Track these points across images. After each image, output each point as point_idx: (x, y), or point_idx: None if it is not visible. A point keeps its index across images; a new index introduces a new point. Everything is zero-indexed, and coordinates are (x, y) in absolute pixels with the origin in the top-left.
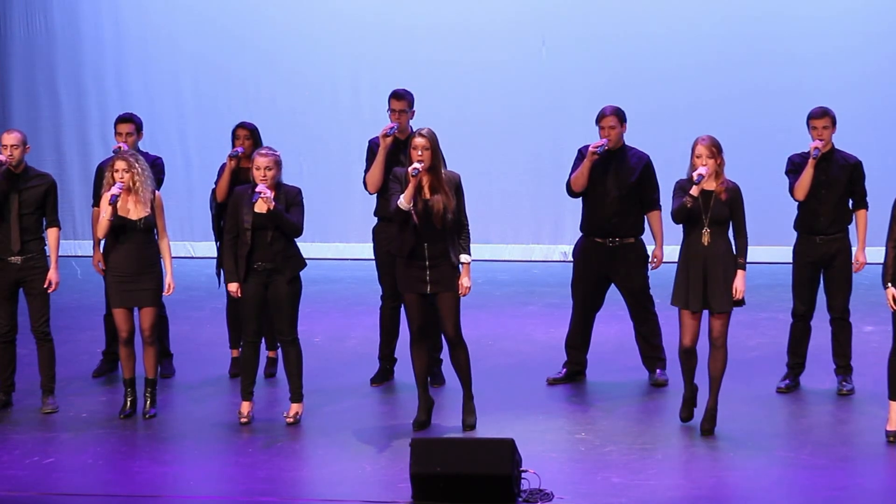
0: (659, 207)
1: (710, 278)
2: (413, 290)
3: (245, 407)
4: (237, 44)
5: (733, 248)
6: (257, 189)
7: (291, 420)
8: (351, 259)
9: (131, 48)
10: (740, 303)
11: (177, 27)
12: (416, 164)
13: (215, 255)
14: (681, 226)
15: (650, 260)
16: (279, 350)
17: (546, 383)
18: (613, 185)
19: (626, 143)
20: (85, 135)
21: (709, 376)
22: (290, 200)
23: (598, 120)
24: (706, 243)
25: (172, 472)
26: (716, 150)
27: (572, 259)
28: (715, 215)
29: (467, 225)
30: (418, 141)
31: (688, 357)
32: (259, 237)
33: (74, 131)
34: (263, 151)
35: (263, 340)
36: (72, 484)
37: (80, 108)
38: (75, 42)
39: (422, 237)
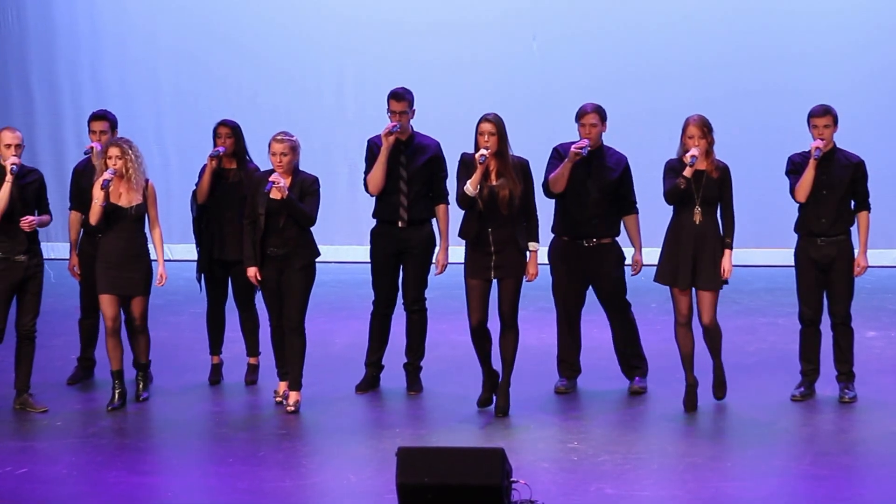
0: (636, 211)
1: (699, 257)
2: (478, 276)
3: (282, 386)
4: (218, 39)
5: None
6: (270, 178)
7: (292, 408)
8: (335, 262)
9: (108, 43)
10: (725, 282)
11: (155, 21)
12: (483, 151)
13: (195, 258)
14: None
15: (631, 265)
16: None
17: (555, 392)
18: (594, 185)
19: (617, 141)
20: (59, 133)
21: (708, 349)
22: (305, 189)
23: (579, 117)
24: (698, 222)
25: (150, 483)
26: (706, 129)
27: (548, 262)
28: (706, 194)
29: (536, 211)
30: (485, 126)
31: (684, 334)
32: (272, 222)
33: (48, 130)
34: (279, 137)
35: (244, 346)
36: (45, 495)
37: (54, 105)
38: (49, 36)
39: (487, 223)
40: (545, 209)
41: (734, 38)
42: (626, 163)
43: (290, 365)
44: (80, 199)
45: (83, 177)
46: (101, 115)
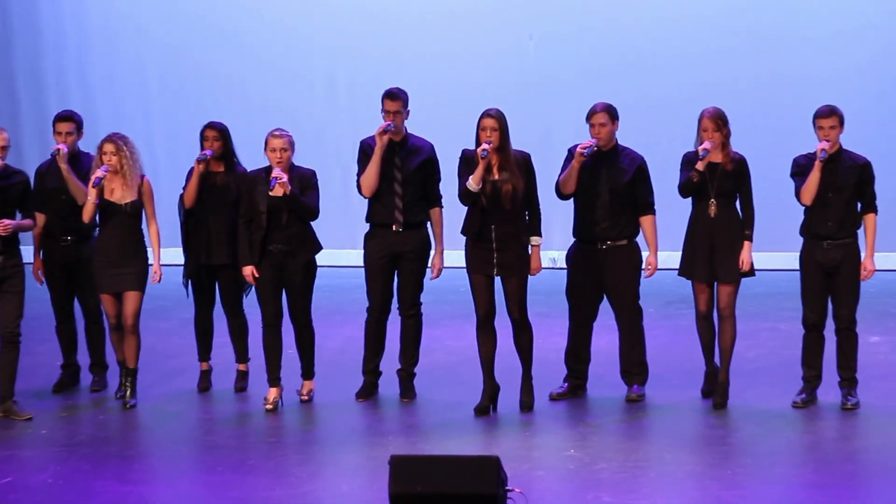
0: (653, 212)
1: (717, 249)
2: (480, 271)
3: (272, 393)
4: (208, 36)
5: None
6: (273, 174)
7: (306, 397)
8: (327, 266)
9: (95, 40)
10: (749, 273)
11: (143, 17)
12: (484, 146)
13: (182, 262)
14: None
15: (644, 267)
16: (297, 342)
17: (549, 398)
18: (605, 186)
19: (620, 141)
20: (44, 133)
21: (719, 349)
22: (304, 183)
23: (588, 117)
24: (713, 214)
25: (137, 492)
26: (721, 122)
27: (565, 266)
28: (721, 187)
29: (539, 206)
30: (487, 122)
31: (705, 326)
32: (274, 220)
33: (34, 129)
34: (277, 133)
35: (233, 352)
36: None
37: (40, 104)
38: (34, 33)
39: (489, 218)
40: (564, 211)
41: (733, 38)
42: (640, 163)
43: (303, 357)
44: (41, 199)
45: (46, 178)
46: (66, 116)
